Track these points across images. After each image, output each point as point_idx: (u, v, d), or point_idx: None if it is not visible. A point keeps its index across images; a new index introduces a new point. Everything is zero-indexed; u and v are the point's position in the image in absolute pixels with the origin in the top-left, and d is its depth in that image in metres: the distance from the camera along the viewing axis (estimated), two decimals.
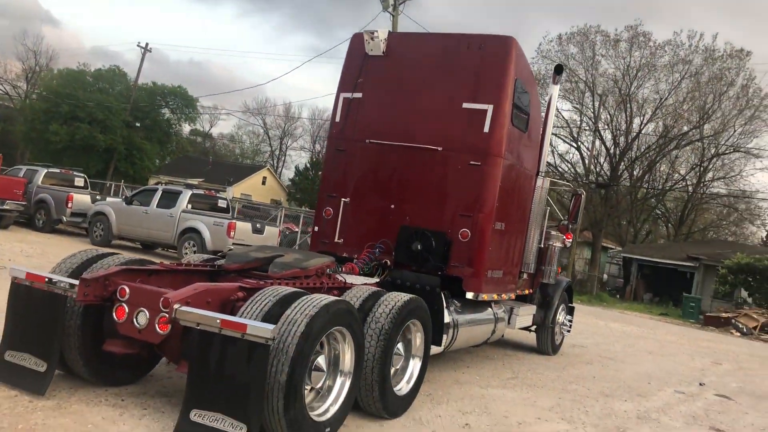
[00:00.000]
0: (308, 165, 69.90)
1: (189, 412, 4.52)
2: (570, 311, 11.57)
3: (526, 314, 9.75)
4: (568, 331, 11.54)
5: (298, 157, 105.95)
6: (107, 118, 47.38)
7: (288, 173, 78.61)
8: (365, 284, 6.78)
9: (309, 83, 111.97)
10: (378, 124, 8.45)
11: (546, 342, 10.93)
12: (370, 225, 8.38)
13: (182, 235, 16.66)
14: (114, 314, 5.01)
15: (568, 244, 10.86)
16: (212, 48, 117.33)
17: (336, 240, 8.52)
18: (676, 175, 43.89)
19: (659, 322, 25.79)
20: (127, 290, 4.99)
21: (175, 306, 4.66)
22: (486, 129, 7.82)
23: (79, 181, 21.41)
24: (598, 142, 39.77)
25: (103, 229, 18.04)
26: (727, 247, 38.68)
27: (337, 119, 8.73)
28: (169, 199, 17.32)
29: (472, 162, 7.84)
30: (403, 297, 6.04)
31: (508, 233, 8.49)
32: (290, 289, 5.10)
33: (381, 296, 6.05)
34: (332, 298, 4.99)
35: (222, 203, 18.29)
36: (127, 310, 4.96)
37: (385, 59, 8.52)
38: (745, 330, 26.12)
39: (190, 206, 17.15)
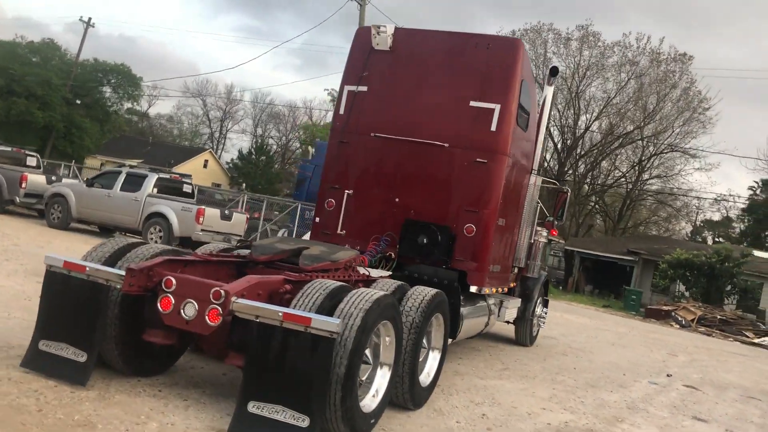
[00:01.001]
0: (252, 149, 69.09)
1: (247, 404, 4.56)
2: (545, 304, 11.97)
3: (513, 307, 10.05)
4: (544, 323, 11.95)
5: (240, 141, 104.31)
6: (46, 94, 45.61)
7: (227, 156, 77.40)
8: (381, 277, 6.90)
9: (251, 65, 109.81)
10: (383, 118, 8.54)
11: (525, 334, 11.29)
12: (374, 217, 8.49)
13: (147, 220, 16.31)
14: (159, 305, 4.97)
15: (551, 240, 11.23)
16: (145, 23, 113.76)
17: (338, 231, 8.59)
18: (617, 172, 45.49)
19: (605, 314, 26.77)
20: (174, 281, 4.96)
21: (233, 299, 4.68)
22: (493, 128, 8.03)
23: (32, 161, 20.63)
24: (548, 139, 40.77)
25: (61, 211, 17.47)
26: (663, 243, 40.43)
27: (341, 112, 8.77)
28: (134, 182, 16.91)
29: (478, 159, 8.04)
30: (430, 291, 6.19)
31: (507, 229, 8.75)
32: (337, 283, 5.17)
33: (406, 290, 6.20)
34: (380, 292, 5.10)
35: (187, 188, 17.97)
36: (173, 301, 4.93)
37: (391, 54, 8.61)
38: (683, 322, 27.43)
39: (155, 190, 16.79)
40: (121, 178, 17.10)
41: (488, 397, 7.19)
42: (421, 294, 6.10)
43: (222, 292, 4.80)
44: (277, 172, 68.42)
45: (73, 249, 13.70)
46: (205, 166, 66.77)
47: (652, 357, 13.89)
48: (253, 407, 4.54)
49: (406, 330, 5.76)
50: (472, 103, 8.15)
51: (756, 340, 25.55)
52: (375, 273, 7.11)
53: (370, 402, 5.18)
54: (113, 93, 56.61)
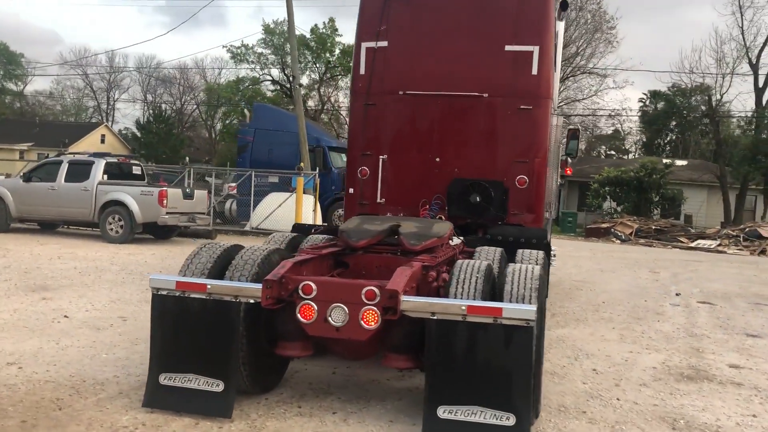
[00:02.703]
0: (150, 118, 65.62)
1: (436, 410, 4.16)
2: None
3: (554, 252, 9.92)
4: (554, 262, 11.95)
5: (132, 110, 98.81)
6: None
7: (118, 127, 73.18)
8: (459, 245, 6.54)
9: (117, 28, 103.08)
10: (410, 73, 8.01)
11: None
12: (414, 181, 8.04)
13: (104, 210, 15.04)
14: (298, 315, 4.42)
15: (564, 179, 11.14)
16: None
17: (378, 200, 8.09)
18: None
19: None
20: (314, 286, 4.41)
21: (402, 298, 4.20)
22: (534, 71, 7.67)
23: None
24: None
25: None
26: (584, 163, 41.79)
27: (362, 71, 8.16)
28: (79, 171, 15.47)
29: (522, 106, 7.69)
30: (539, 253, 5.91)
31: (549, 175, 8.52)
32: (483, 263, 4.76)
33: (504, 258, 5.91)
34: (535, 266, 4.73)
35: (137, 170, 16.65)
36: (315, 308, 4.39)
37: (409, 3, 8.02)
38: (623, 237, 28.65)
39: (105, 177, 15.46)
40: (64, 168, 15.61)
41: (575, 350, 7.06)
42: (534, 257, 5.81)
43: (376, 291, 4.31)
44: (181, 140, 65.49)
45: (39, 253, 12.47)
46: (102, 141, 63.05)
47: (643, 278, 14.30)
48: (444, 413, 4.14)
49: None
50: (508, 47, 7.74)
51: (692, 244, 27.07)
52: (454, 241, 6.71)
53: None
54: None
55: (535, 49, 7.67)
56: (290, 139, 21.40)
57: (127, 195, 14.95)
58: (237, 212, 21.96)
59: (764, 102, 33.71)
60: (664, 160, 32.63)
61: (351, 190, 8.28)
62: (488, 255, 5.87)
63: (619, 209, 32.60)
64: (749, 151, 31.45)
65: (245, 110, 26.41)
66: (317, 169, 19.83)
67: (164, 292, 4.55)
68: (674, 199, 33.11)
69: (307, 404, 4.87)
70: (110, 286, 9.37)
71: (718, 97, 34.67)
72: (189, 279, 4.60)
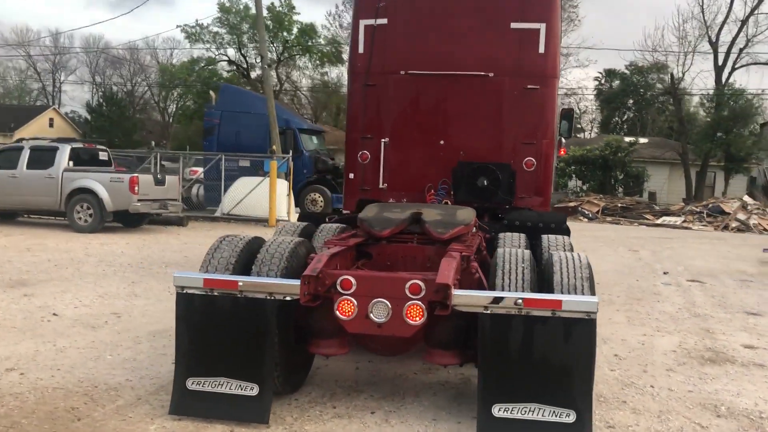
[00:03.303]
0: (101, 101, 63.60)
1: (491, 408, 3.94)
2: None
3: None
4: None
5: (80, 92, 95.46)
6: None
7: (65, 110, 70.57)
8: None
9: (60, 7, 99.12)
10: (412, 52, 7.69)
11: None
12: (418, 165, 7.76)
13: (71, 198, 14.36)
14: (337, 311, 4.14)
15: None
16: None
17: (380, 186, 7.80)
18: None
19: None
20: (353, 281, 4.13)
21: (454, 292, 3.94)
22: (541, 49, 7.44)
23: None
24: None
25: None
26: None
27: (360, 50, 7.80)
28: (43, 158, 14.70)
29: (529, 86, 7.46)
30: (565, 242, 5.73)
31: (555, 157, 8.34)
32: (526, 252, 4.54)
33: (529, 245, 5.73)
34: (581, 254, 4.52)
35: (103, 156, 15.93)
36: (356, 303, 4.11)
37: None
38: (591, 215, 28.94)
39: (71, 163, 14.75)
40: (25, 154, 14.83)
41: None
42: (561, 244, 5.64)
43: (421, 285, 4.05)
44: (134, 123, 63.68)
45: (5, 245, 11.82)
46: (51, 125, 60.97)
47: (625, 257, 14.37)
48: (499, 411, 3.92)
49: None
50: (513, 25, 7.48)
51: (658, 221, 27.51)
52: None
53: None
54: None
55: (542, 27, 7.44)
56: (258, 121, 20.88)
57: (96, 182, 14.30)
58: (204, 198, 21.38)
59: (723, 80, 34.41)
60: (627, 138, 33.02)
61: (351, 176, 7.95)
62: (513, 242, 5.66)
63: (584, 188, 32.95)
64: (710, 129, 32.07)
65: (211, 92, 25.60)
66: (290, 152, 19.36)
67: (190, 291, 4.21)
68: (638, 177, 33.59)
69: (341, 404, 4.60)
70: (93, 280, 8.88)
71: (680, 75, 35.22)
72: (218, 276, 4.26)
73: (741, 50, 34.61)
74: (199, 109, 45.08)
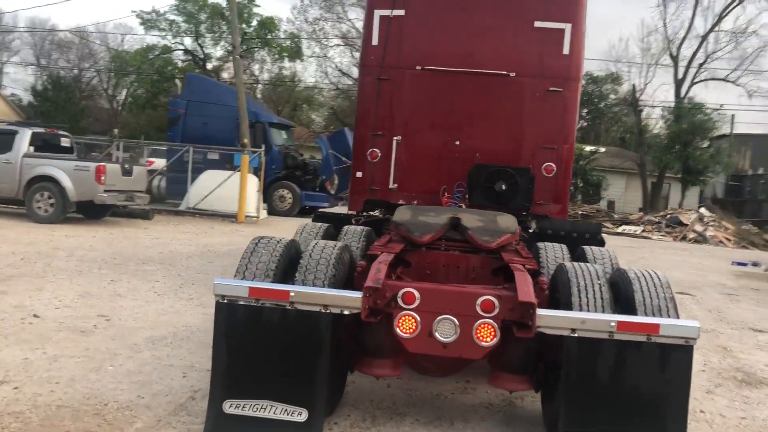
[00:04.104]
0: (48, 85, 61.05)
1: None
2: None
3: None
4: None
5: (24, 74, 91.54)
6: None
7: (5, 92, 67.30)
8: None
9: None
10: (430, 47, 7.29)
11: None
12: (431, 166, 7.36)
13: (30, 186, 13.41)
14: (396, 327, 3.69)
15: None
16: None
17: (390, 186, 7.37)
18: None
19: None
20: (417, 294, 3.70)
21: (539, 311, 3.54)
22: (566, 51, 7.14)
23: None
24: None
25: None
26: None
27: (374, 42, 7.36)
28: (0, 141, 13.73)
29: (551, 88, 7.15)
30: (611, 255, 5.40)
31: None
32: (599, 267, 4.16)
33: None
34: (657, 272, 4.17)
35: (65, 142, 14.96)
36: (419, 319, 3.68)
37: None
38: None
39: (32, 149, 13.79)
40: None
41: None
42: (605, 257, 5.31)
43: (495, 301, 3.65)
44: (81, 109, 61.36)
45: None
46: None
47: None
48: None
49: None
50: (537, 24, 7.16)
51: (618, 230, 27.79)
52: None
53: None
54: None
55: (567, 27, 7.13)
56: (226, 113, 20.12)
57: (59, 170, 13.39)
58: (166, 190, 20.49)
59: (683, 93, 35.09)
60: (587, 147, 33.33)
61: (359, 174, 7.49)
62: (556, 253, 5.30)
63: None
64: (670, 141, 32.60)
65: (176, 80, 24.63)
66: (262, 146, 18.70)
67: (234, 301, 3.69)
68: (598, 185, 33.89)
69: (388, 430, 4.15)
70: (68, 277, 8.17)
71: (642, 86, 35.76)
72: (266, 284, 3.76)
73: (701, 65, 35.44)
74: (152, 98, 43.69)
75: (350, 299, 3.65)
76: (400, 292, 3.71)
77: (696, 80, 35.73)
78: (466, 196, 7.18)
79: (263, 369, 3.72)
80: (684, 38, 35.29)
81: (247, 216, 17.29)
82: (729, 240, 24.98)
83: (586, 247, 5.45)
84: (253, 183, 17.66)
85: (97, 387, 4.52)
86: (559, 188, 7.26)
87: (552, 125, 7.21)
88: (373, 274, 3.76)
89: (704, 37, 35.07)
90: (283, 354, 3.71)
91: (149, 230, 14.02)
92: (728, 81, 35.42)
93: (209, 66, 50.71)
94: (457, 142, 7.31)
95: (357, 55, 39.85)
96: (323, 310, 3.67)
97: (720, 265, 16.11)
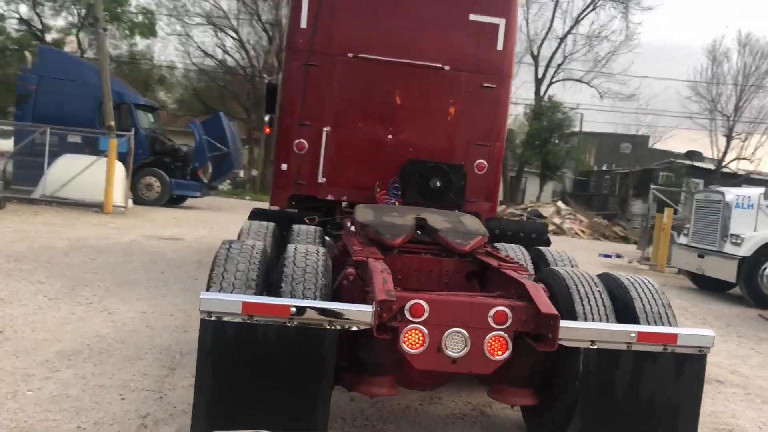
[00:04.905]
0: None
1: None
2: None
3: None
4: None
5: None
6: None
7: None
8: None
9: None
10: (363, 34, 6.93)
11: None
12: (362, 160, 7.03)
13: None
14: (403, 343, 3.35)
15: None
16: None
17: (319, 180, 6.94)
18: None
19: None
20: (426, 306, 3.37)
21: (562, 324, 3.33)
22: (500, 46, 7.06)
23: None
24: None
25: None
26: None
27: (303, 24, 6.87)
28: None
29: (485, 84, 7.05)
30: (571, 258, 5.35)
31: None
32: (591, 273, 4.04)
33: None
34: (648, 278, 4.11)
35: None
36: (426, 333, 3.36)
37: None
38: None
39: None
40: None
41: None
42: (566, 260, 5.25)
43: (508, 312, 3.41)
44: None
45: None
46: None
47: None
48: None
49: None
50: (472, 17, 7.01)
51: None
52: None
53: None
54: None
55: (501, 22, 7.05)
56: (85, 92, 18.45)
57: None
58: (13, 175, 18.44)
59: (542, 92, 37.02)
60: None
61: (284, 167, 6.97)
62: (516, 255, 5.16)
63: None
64: (530, 137, 34.28)
65: (26, 53, 22.16)
66: (132, 130, 17.29)
67: (224, 318, 3.15)
68: None
69: None
70: None
71: None
72: (262, 299, 3.26)
73: (559, 66, 37.51)
74: None
75: (361, 313, 3.24)
76: (408, 305, 3.35)
77: (554, 80, 37.83)
78: (399, 193, 6.91)
79: (257, 395, 3.22)
80: (544, 39, 37.24)
81: (114, 206, 15.92)
82: (584, 232, 26.70)
83: (544, 249, 5.37)
84: (119, 170, 16.29)
85: (22, 418, 3.77)
86: (490, 186, 7.18)
87: (485, 122, 7.11)
88: (381, 285, 3.37)
89: (562, 39, 37.20)
90: (280, 377, 3.23)
91: (5, 221, 12.45)
92: (583, 82, 37.84)
93: (48, 38, 46.53)
94: (390, 136, 7.01)
95: (222, 35, 38.32)
96: (328, 326, 3.23)
97: (589, 257, 17.04)
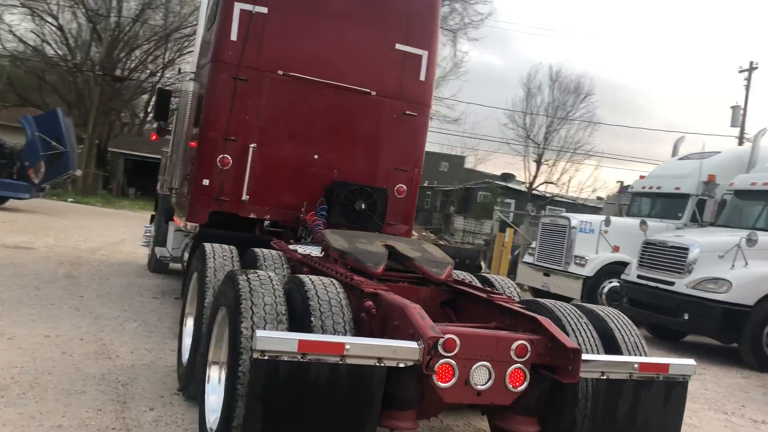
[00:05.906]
0: None
1: None
2: None
3: None
4: None
5: None
6: None
7: None
8: None
9: None
10: (293, 52, 6.87)
11: None
12: (287, 179, 6.95)
13: None
14: (434, 377, 3.45)
15: None
16: None
17: (242, 198, 6.73)
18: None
19: None
20: (457, 340, 3.49)
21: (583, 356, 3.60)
22: (422, 77, 7.34)
23: None
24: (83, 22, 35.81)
25: None
26: None
27: (233, 37, 6.66)
28: None
29: (408, 112, 7.28)
30: (513, 286, 5.68)
31: None
32: (568, 305, 4.36)
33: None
34: (615, 310, 4.52)
35: None
36: (456, 367, 3.49)
37: None
38: None
39: None
40: None
41: None
42: (510, 288, 5.59)
43: (528, 346, 3.65)
44: None
45: None
46: None
47: None
48: None
49: None
50: (399, 46, 7.22)
51: None
52: None
53: None
54: None
55: (425, 54, 7.33)
56: None
57: None
58: None
59: None
60: None
61: (206, 182, 6.67)
62: (473, 282, 5.41)
63: None
64: None
65: None
66: None
67: (279, 357, 3.04)
68: None
69: None
70: None
71: None
72: (319, 337, 3.18)
73: None
74: None
75: (408, 350, 3.27)
76: (442, 339, 3.44)
77: None
78: (326, 215, 6.89)
79: None
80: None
81: None
82: None
83: (491, 277, 5.65)
84: None
85: None
86: (408, 209, 7.40)
87: (406, 148, 7.33)
88: (422, 321, 3.42)
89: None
90: (331, 417, 3.16)
91: None
92: None
93: None
94: (316, 156, 7.00)
95: (40, 21, 35.05)
96: (377, 364, 3.23)
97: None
